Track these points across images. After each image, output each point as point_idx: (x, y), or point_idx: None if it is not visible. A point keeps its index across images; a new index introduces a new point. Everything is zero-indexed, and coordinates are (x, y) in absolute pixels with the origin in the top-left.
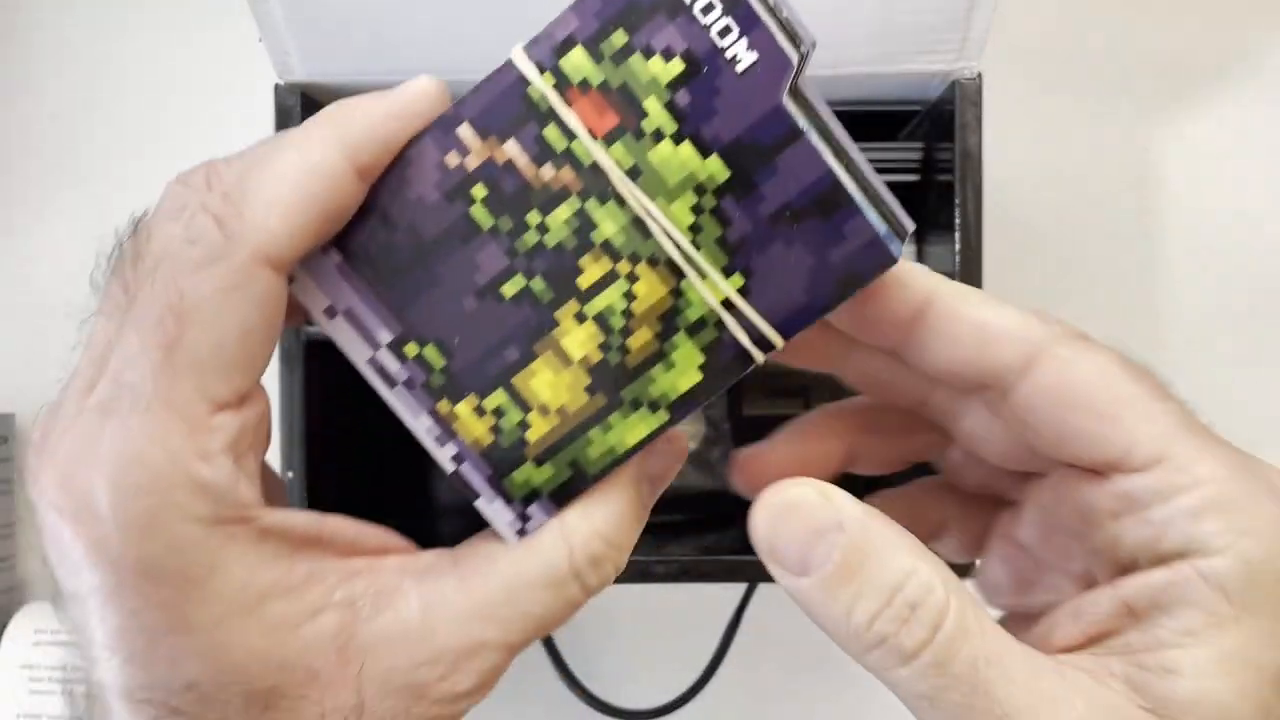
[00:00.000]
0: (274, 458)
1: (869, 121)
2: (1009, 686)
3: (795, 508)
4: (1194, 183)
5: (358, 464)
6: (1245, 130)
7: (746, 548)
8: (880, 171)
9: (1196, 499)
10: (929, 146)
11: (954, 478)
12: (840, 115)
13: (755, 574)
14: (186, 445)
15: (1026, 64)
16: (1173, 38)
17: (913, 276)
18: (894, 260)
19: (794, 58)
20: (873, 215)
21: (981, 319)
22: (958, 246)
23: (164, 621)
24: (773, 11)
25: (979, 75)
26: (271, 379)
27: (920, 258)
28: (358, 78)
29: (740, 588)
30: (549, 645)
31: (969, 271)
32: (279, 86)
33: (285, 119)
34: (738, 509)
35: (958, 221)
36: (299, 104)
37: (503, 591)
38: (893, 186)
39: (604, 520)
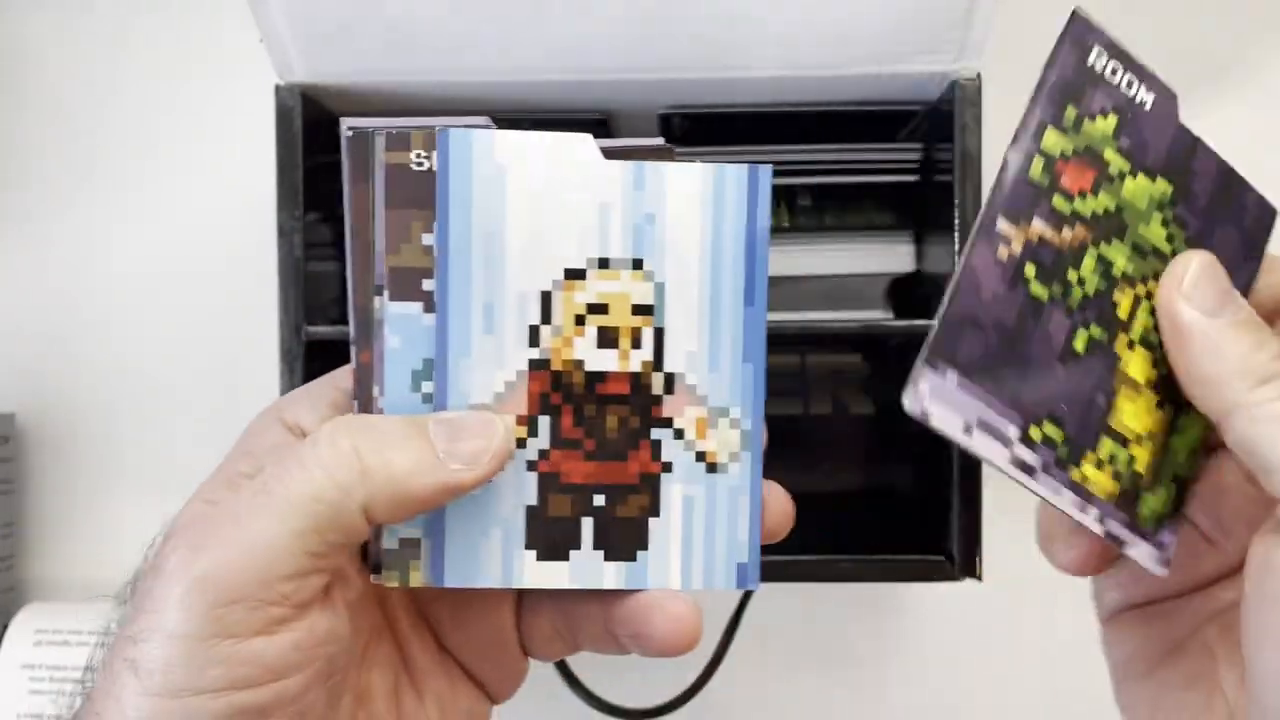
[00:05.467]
0: None
1: (869, 121)
2: None
3: (1219, 266)
4: None
5: None
6: (1245, 130)
7: None
8: (880, 172)
9: None
10: (929, 147)
11: None
12: (840, 115)
13: None
14: None
15: (1026, 64)
16: (1173, 38)
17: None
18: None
19: (1173, 89)
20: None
21: None
22: (957, 247)
23: None
24: (1142, 64)
25: (979, 75)
26: (271, 378)
27: (920, 259)
28: (358, 78)
29: None
30: None
31: None
32: (279, 86)
33: (285, 119)
34: None
35: (957, 222)
36: (299, 104)
37: None
38: (893, 187)
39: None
